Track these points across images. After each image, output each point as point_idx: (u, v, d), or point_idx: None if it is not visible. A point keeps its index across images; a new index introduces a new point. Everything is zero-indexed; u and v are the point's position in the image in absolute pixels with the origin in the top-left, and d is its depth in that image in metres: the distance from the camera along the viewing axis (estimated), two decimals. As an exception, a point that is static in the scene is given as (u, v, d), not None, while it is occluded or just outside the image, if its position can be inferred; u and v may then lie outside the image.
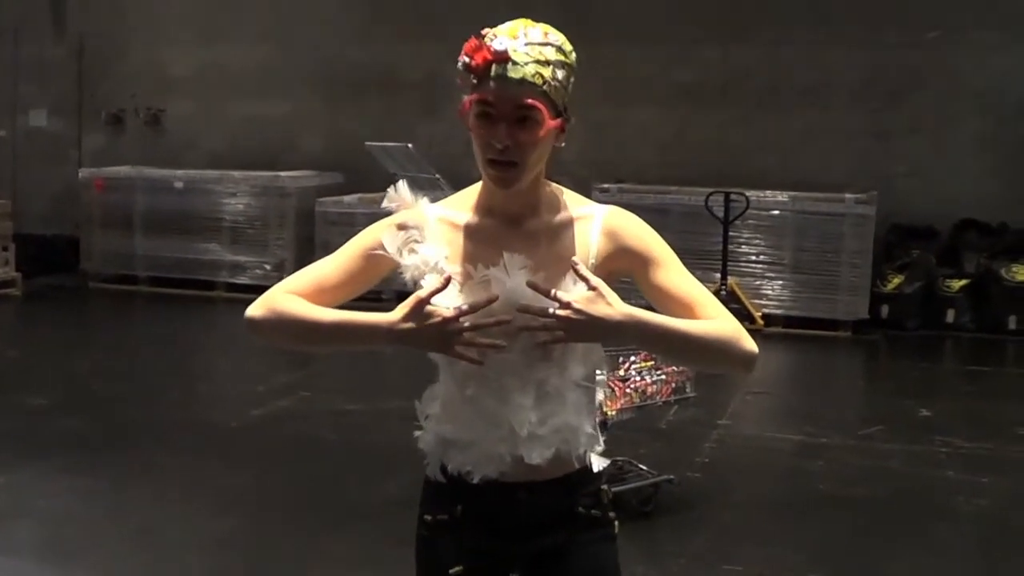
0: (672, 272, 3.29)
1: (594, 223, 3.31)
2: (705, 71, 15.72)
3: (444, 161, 12.95)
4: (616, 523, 3.39)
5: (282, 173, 16.23)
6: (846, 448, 9.46)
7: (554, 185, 3.40)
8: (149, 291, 16.37)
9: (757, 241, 14.49)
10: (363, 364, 12.08)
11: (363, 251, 3.39)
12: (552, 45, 3.25)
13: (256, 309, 3.29)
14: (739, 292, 14.06)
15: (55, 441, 9.13)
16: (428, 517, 3.34)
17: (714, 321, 3.20)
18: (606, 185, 14.96)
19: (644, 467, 7.79)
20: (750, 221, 14.32)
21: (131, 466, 8.61)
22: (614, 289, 3.12)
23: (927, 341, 14.05)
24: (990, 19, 14.76)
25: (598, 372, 3.35)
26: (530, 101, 3.14)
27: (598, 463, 3.31)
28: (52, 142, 19.21)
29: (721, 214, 14.05)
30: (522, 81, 3.15)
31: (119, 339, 13.83)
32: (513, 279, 3.13)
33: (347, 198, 15.79)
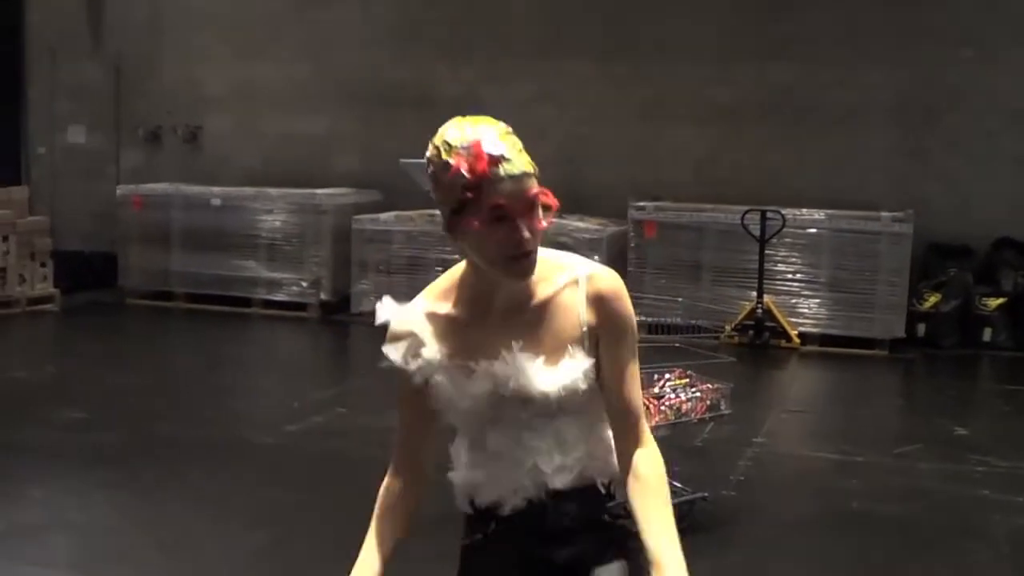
0: (627, 362, 3.39)
1: (579, 291, 3.38)
2: (742, 90, 15.69)
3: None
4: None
5: (318, 190, 16.26)
6: (882, 467, 9.42)
7: None
8: (186, 307, 16.44)
9: (793, 259, 14.45)
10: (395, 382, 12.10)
11: (404, 392, 3.58)
12: (510, 133, 3.34)
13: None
14: (775, 311, 14.04)
15: (92, 455, 9.18)
16: (466, 541, 3.59)
17: (657, 498, 3.38)
18: (642, 203, 14.97)
19: (679, 484, 7.77)
20: (786, 239, 14.29)
21: (166, 480, 8.64)
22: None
23: (964, 360, 13.99)
24: (1025, 38, 14.75)
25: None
26: (537, 190, 3.26)
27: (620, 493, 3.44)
28: (90, 159, 19.32)
29: (757, 232, 14.04)
30: (524, 174, 3.25)
31: (156, 355, 13.89)
32: (504, 368, 3.33)
33: (383, 216, 15.82)
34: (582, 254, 11.40)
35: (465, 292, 3.43)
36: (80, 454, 9.23)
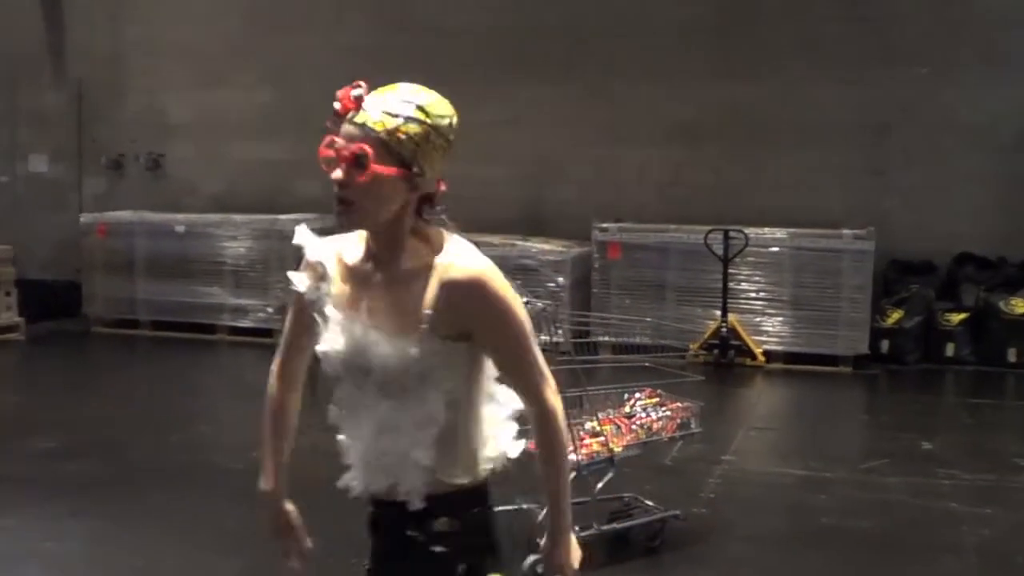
0: (507, 350, 3.46)
1: (433, 276, 3.38)
2: (701, 109, 15.79)
3: (457, 203, 13.06)
4: (459, 564, 3.53)
5: (281, 216, 16.25)
6: (849, 482, 9.50)
7: (437, 233, 3.50)
8: (152, 335, 16.41)
9: (757, 278, 14.55)
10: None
11: (295, 310, 3.72)
12: (413, 103, 3.41)
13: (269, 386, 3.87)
14: (740, 329, 14.13)
15: (62, 484, 9.16)
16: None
17: (547, 451, 3.62)
18: (605, 224, 15.05)
19: (651, 503, 7.82)
20: (749, 258, 14.39)
21: (137, 508, 8.63)
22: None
23: (928, 375, 14.10)
24: (980, 55, 14.86)
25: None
26: (359, 144, 3.33)
27: (417, 501, 3.50)
28: (53, 188, 19.29)
29: (720, 252, 14.12)
30: (362, 126, 3.36)
31: (123, 383, 13.83)
32: (357, 330, 3.44)
33: (347, 239, 15.81)
34: (545, 276, 11.46)
35: (364, 247, 3.54)
36: (51, 483, 9.21)
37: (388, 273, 3.45)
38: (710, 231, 14.21)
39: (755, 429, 11.68)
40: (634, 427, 7.52)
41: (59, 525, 8.30)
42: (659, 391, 7.82)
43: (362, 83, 3.49)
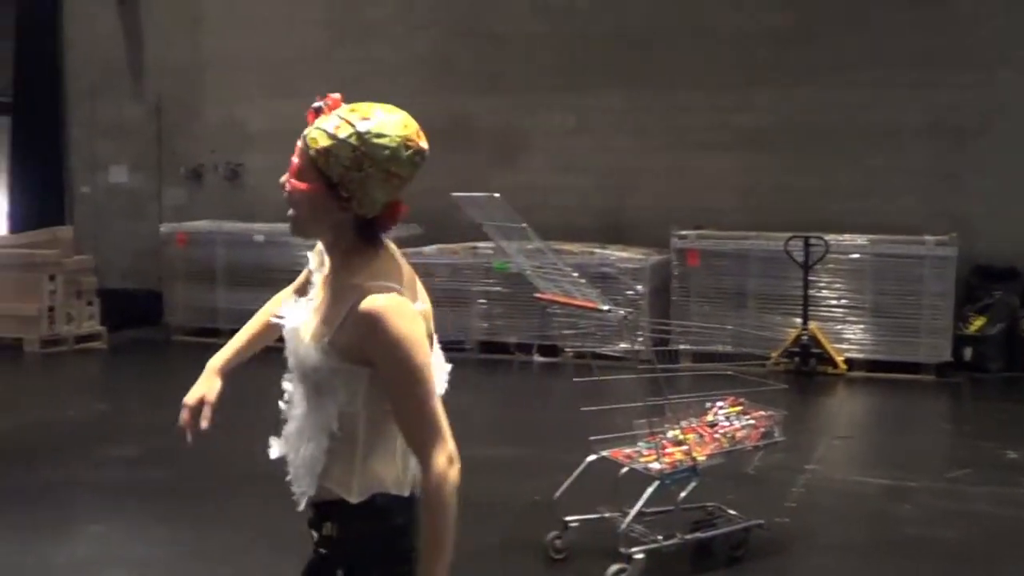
0: (395, 387, 3.44)
1: (354, 298, 3.43)
2: (778, 115, 15.74)
3: (535, 212, 13.08)
4: (338, 569, 3.64)
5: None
6: (933, 491, 9.41)
7: (383, 256, 3.59)
8: (231, 343, 16.47)
9: (837, 285, 14.44)
10: (452, 415, 12.15)
11: (304, 275, 4.06)
12: (354, 128, 3.44)
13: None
14: (821, 337, 14.02)
15: (147, 491, 9.23)
16: None
17: (426, 528, 3.53)
18: (684, 232, 14.98)
19: (733, 512, 7.77)
20: (830, 265, 14.28)
21: (222, 515, 8.69)
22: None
23: (1011, 383, 13.95)
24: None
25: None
26: (293, 157, 3.52)
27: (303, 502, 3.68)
28: (133, 198, 19.48)
29: (801, 259, 14.03)
30: (304, 139, 3.50)
31: (203, 391, 13.88)
32: (288, 324, 3.68)
33: (427, 249, 15.87)
34: (624, 284, 11.37)
35: None
36: (136, 490, 9.29)
37: (333, 282, 3.59)
38: (790, 238, 14.13)
39: (837, 438, 11.61)
40: (717, 436, 7.48)
41: (145, 532, 8.36)
42: (742, 399, 7.77)
43: (332, 97, 3.59)
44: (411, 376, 3.41)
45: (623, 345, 12.49)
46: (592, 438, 7.38)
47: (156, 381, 14.49)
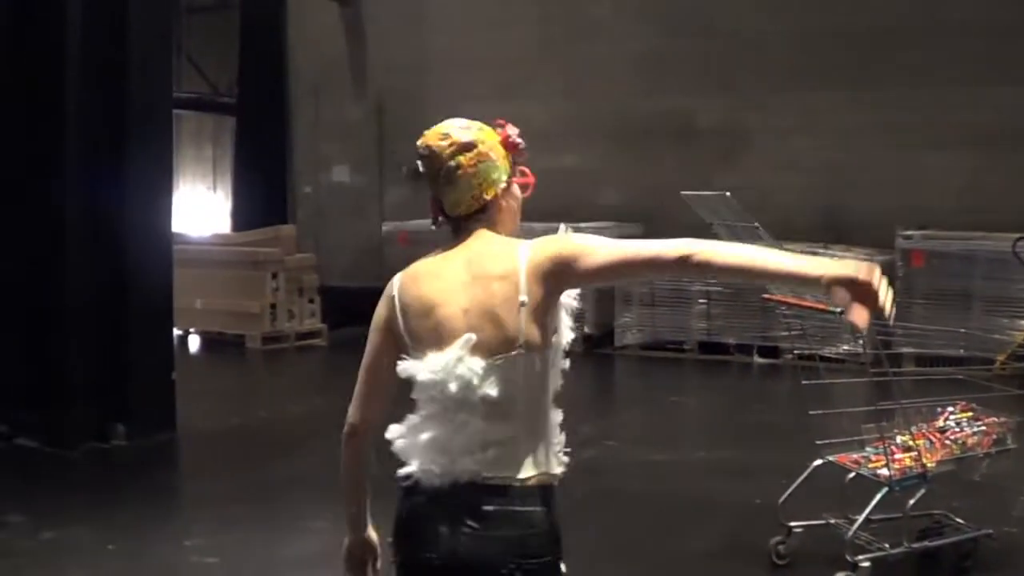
0: None
1: None
2: (1004, 113, 15.35)
3: (758, 211, 12.96)
4: None
5: (582, 224, 16.28)
6: None
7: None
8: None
9: (1066, 287, 14.00)
10: (664, 414, 12.13)
11: None
12: None
13: None
14: (1049, 340, 13.63)
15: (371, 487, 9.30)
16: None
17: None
18: (909, 232, 14.69)
19: (962, 521, 7.57)
20: (1059, 267, 13.84)
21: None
22: None
23: None
24: None
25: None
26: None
27: None
28: (355, 197, 19.72)
29: (1029, 260, 13.64)
30: None
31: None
32: None
33: (646, 248, 15.78)
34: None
35: None
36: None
37: None
38: (1018, 239, 13.70)
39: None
40: (947, 442, 7.27)
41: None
42: (973, 405, 7.55)
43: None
44: None
45: (844, 348, 12.35)
46: (819, 442, 7.24)
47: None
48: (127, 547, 8.00)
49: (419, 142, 3.89)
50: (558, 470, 3.64)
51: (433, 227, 3.95)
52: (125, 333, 10.78)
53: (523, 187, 3.99)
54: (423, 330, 3.70)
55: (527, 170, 3.97)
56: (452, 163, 3.80)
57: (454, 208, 3.83)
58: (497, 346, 3.57)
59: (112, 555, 7.86)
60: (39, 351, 10.74)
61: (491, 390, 3.53)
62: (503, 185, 3.85)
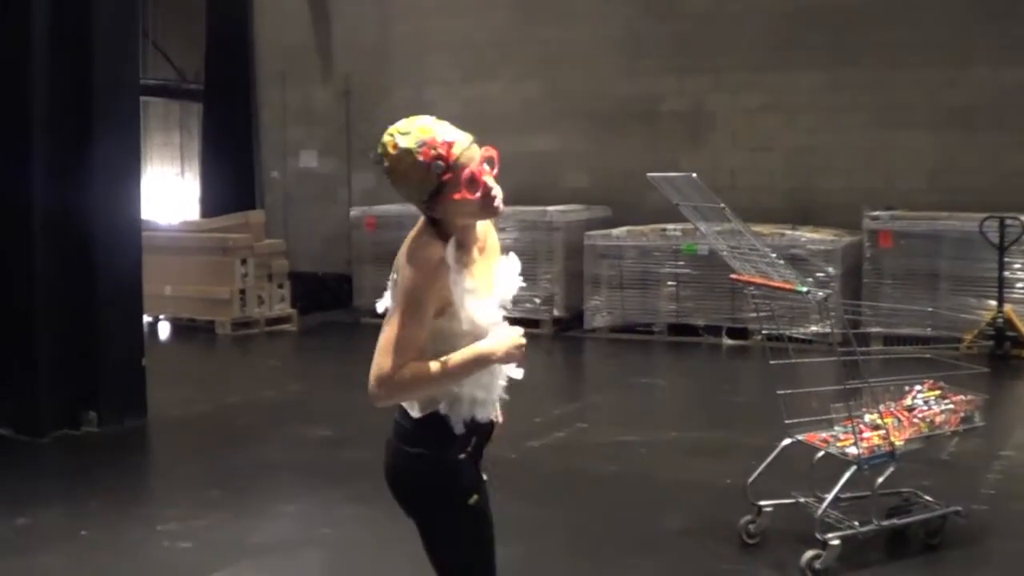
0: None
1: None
2: (976, 94, 15.42)
3: (727, 193, 13.00)
4: None
5: (550, 208, 16.32)
6: None
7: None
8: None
9: (1034, 267, 14.08)
10: (635, 396, 12.17)
11: None
12: (436, 120, 4.31)
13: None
14: (1015, 320, 13.70)
15: (339, 471, 9.34)
16: (462, 455, 4.32)
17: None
18: (876, 212, 14.75)
19: (930, 499, 7.62)
20: (1026, 246, 13.94)
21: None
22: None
23: None
24: None
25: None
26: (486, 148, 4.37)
27: None
28: (323, 182, 19.72)
29: (996, 240, 13.72)
30: (471, 141, 4.31)
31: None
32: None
33: (615, 231, 15.85)
34: (815, 266, 11.28)
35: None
36: (327, 470, 9.42)
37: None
38: (986, 219, 13.82)
39: (1034, 423, 11.35)
40: (916, 420, 7.32)
41: (337, 511, 8.46)
42: (941, 383, 7.59)
43: (433, 137, 4.22)
44: (402, 302, 4.13)
45: (813, 328, 12.40)
46: (788, 421, 7.28)
47: (346, 363, 14.61)
48: (100, 533, 8.00)
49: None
50: None
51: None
52: (95, 320, 10.76)
53: (469, 193, 4.14)
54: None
55: (482, 181, 4.15)
56: (386, 164, 4.19)
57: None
58: None
59: (85, 541, 7.86)
60: (8, 338, 10.71)
61: None
62: (422, 199, 4.17)
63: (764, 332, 8.88)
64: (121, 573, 7.38)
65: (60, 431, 10.58)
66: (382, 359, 4.03)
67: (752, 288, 7.40)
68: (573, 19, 17.64)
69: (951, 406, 7.41)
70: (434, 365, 4.05)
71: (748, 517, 7.46)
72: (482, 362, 4.13)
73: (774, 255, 7.09)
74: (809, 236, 14.86)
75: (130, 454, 10.47)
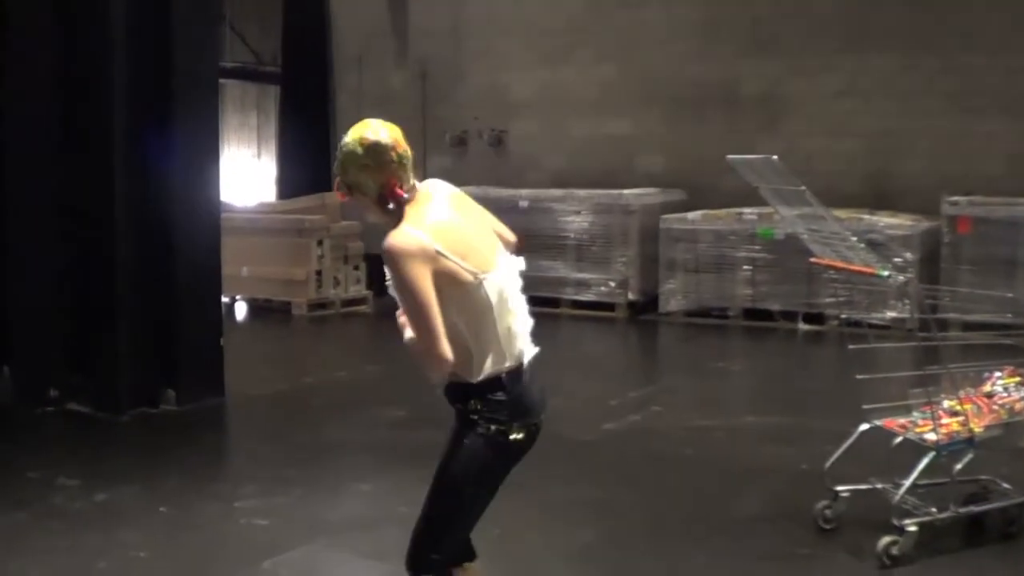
0: (403, 303, 4.65)
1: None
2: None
3: (805, 177, 12.91)
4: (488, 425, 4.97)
5: (625, 191, 16.30)
6: None
7: (410, 212, 4.75)
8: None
9: (1115, 254, 13.93)
10: (710, 380, 12.15)
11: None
12: (341, 146, 4.82)
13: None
14: (1096, 308, 13.55)
15: (413, 451, 9.33)
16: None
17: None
18: (955, 198, 14.62)
19: (1008, 486, 7.56)
20: (1108, 233, 13.79)
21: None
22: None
23: None
24: None
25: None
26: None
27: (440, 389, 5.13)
28: (397, 165, 19.72)
29: (1077, 227, 13.59)
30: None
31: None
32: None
33: (691, 215, 15.81)
34: (892, 251, 11.09)
35: None
36: (402, 450, 9.43)
37: None
38: (1065, 204, 13.68)
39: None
40: (995, 407, 7.26)
41: (413, 491, 8.36)
42: (1021, 370, 7.52)
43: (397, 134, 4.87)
44: (405, 293, 4.57)
45: (891, 314, 12.32)
46: (865, 407, 7.24)
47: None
48: (178, 509, 8.07)
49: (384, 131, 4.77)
50: None
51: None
52: (174, 300, 10.85)
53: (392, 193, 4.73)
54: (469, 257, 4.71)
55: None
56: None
57: None
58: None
59: (163, 517, 7.93)
60: (90, 319, 10.83)
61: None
62: (372, 193, 4.74)
63: (843, 317, 8.84)
64: (199, 549, 7.44)
65: (138, 409, 10.69)
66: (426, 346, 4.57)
67: (832, 272, 7.37)
68: (648, 2, 17.58)
69: (1032, 393, 7.34)
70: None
71: (825, 502, 7.43)
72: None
73: (855, 239, 7.05)
74: (887, 221, 14.76)
75: (207, 432, 10.56)
